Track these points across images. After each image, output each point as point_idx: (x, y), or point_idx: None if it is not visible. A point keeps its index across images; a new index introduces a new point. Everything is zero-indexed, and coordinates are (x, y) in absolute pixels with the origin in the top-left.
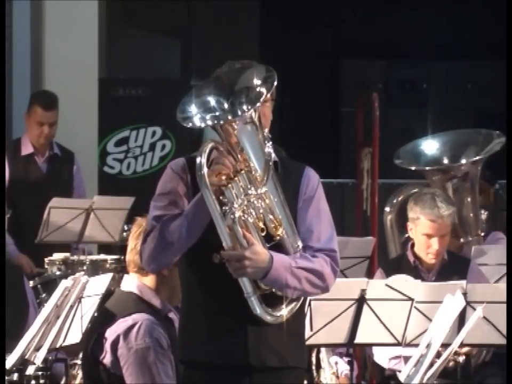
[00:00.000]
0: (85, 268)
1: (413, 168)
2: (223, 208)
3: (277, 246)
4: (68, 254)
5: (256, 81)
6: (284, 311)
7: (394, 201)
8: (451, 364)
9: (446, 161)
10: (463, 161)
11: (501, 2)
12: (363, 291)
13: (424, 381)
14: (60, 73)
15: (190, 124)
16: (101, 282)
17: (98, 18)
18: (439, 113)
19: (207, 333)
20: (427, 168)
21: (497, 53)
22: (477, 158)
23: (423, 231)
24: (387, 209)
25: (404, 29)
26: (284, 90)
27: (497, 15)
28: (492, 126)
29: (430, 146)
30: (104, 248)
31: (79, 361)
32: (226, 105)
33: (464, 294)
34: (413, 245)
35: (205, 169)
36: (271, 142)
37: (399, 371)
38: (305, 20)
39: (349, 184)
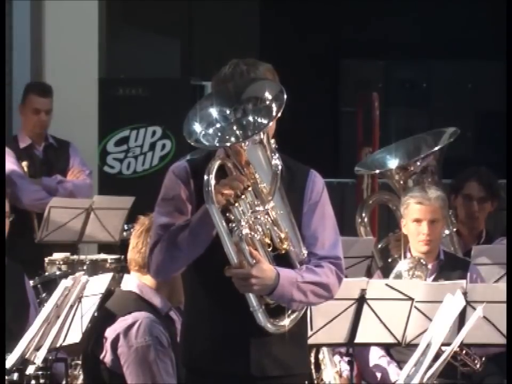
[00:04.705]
0: (85, 267)
1: (377, 171)
2: (230, 225)
3: (281, 255)
4: (68, 254)
5: (267, 95)
6: (287, 321)
7: (363, 214)
8: (467, 368)
9: (403, 162)
10: (419, 156)
11: (501, 2)
12: (363, 291)
13: (424, 381)
14: (60, 73)
15: (201, 146)
16: (101, 282)
17: (98, 18)
18: (439, 113)
19: (210, 340)
20: (389, 168)
21: (497, 53)
22: (430, 151)
23: (412, 216)
24: (358, 220)
25: (404, 29)
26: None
27: (497, 15)
28: (492, 126)
29: (385, 154)
30: (104, 248)
31: (80, 362)
32: (228, 112)
33: (464, 294)
34: (410, 248)
35: (213, 186)
36: (277, 155)
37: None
38: (305, 20)
39: (349, 184)
